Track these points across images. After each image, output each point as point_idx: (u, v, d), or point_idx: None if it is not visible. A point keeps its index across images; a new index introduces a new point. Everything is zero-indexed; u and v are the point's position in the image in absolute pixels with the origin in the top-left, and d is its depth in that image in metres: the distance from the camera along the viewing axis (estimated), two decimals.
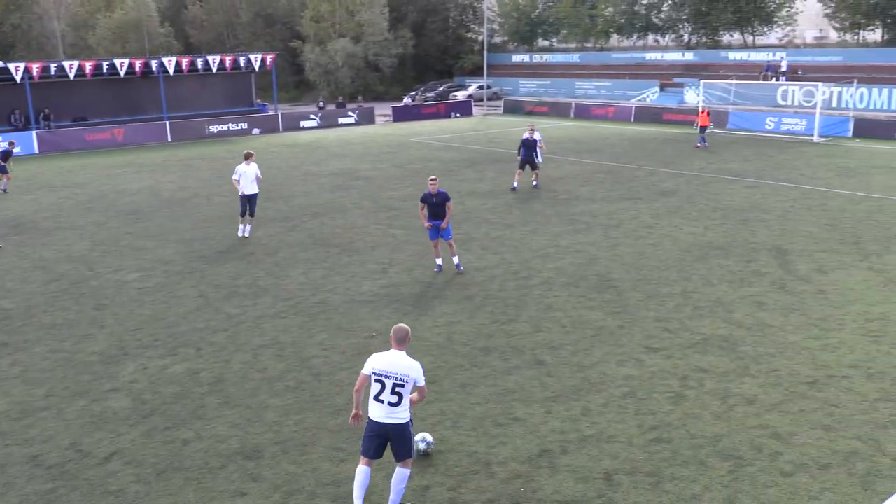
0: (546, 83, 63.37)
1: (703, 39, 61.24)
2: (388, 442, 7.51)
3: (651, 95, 54.68)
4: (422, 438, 8.93)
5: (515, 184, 24.75)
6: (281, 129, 46.67)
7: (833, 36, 58.40)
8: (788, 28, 58.69)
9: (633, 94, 55.78)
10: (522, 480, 8.34)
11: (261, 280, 15.91)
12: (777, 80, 48.97)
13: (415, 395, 7.59)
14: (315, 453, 8.99)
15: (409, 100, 60.24)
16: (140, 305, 14.49)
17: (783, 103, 46.38)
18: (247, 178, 19.10)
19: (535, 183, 25.47)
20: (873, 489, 8.04)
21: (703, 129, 34.76)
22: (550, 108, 52.86)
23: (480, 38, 71.51)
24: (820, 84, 40.73)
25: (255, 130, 46.15)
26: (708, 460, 8.70)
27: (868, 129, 38.17)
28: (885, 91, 43.83)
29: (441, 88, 65.16)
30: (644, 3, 64.29)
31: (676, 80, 55.42)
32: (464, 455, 8.95)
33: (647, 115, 46.90)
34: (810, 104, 43.90)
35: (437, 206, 14.81)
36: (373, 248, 18.30)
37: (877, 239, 18.25)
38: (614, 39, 67.96)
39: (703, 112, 35.54)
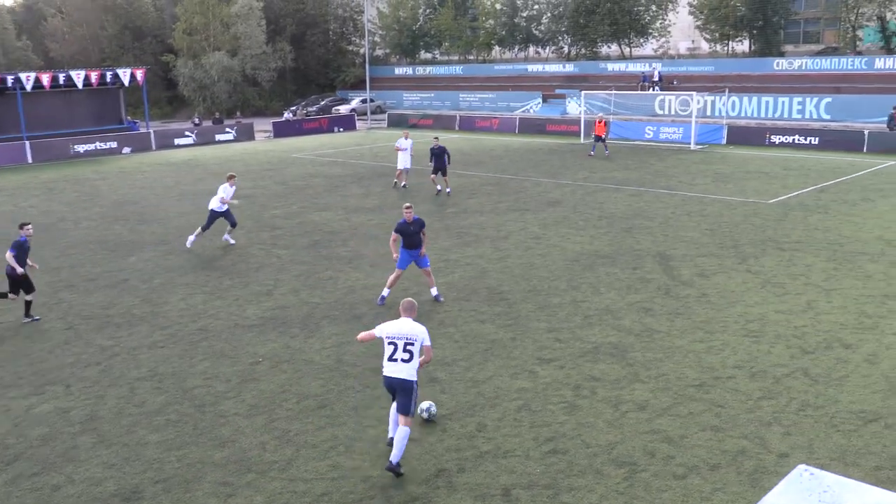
0: (430, 96, 63.72)
1: (583, 51, 62.95)
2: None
3: (534, 107, 55.60)
4: (427, 406, 9.80)
5: (439, 187, 26.29)
6: (154, 147, 45.42)
7: (705, 47, 60.80)
8: (663, 40, 60.82)
9: (517, 106, 56.69)
10: (420, 503, 8.28)
11: (136, 308, 15.39)
12: (653, 90, 50.88)
13: (423, 357, 8.60)
14: (200, 490, 8.72)
15: (290, 115, 59.36)
16: (0, 342, 13.66)
17: (660, 112, 48.05)
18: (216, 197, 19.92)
19: (448, 190, 26.49)
20: (761, 486, 8.25)
21: (598, 138, 35.25)
22: (435, 120, 53.08)
23: (362, 50, 71.12)
24: (694, 93, 42.25)
25: (126, 149, 44.56)
26: (603, 469, 8.82)
27: (740, 135, 38.76)
28: (755, 99, 46.23)
29: (323, 103, 64.47)
30: (524, 15, 65.58)
31: (558, 90, 56.78)
32: (359, 480, 8.82)
33: (532, 127, 47.46)
34: (686, 113, 45.60)
35: (413, 234, 14.28)
36: (256, 269, 17.98)
37: (753, 242, 18.65)
38: (496, 51, 69.10)
39: (599, 122, 35.98)
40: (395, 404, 8.76)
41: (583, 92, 45.07)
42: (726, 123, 40.49)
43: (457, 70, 66.81)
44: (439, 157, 26.26)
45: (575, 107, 51.11)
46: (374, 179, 30.90)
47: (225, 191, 19.76)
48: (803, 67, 49.84)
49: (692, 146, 37.37)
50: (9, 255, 14.32)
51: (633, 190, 26.05)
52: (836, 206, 22.01)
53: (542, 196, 25.64)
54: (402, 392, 8.51)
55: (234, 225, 20.19)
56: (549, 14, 64.37)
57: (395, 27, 70.37)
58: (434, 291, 14.64)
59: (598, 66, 58.67)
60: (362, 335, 8.81)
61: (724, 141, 38.74)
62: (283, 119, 56.53)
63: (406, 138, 27.87)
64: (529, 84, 60.32)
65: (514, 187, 27.47)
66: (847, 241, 18.22)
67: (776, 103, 44.30)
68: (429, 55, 73.34)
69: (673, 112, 46.60)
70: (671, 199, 24.14)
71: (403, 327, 8.58)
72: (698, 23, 58.83)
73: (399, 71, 70.34)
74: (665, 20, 59.99)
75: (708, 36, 58.20)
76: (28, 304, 14.48)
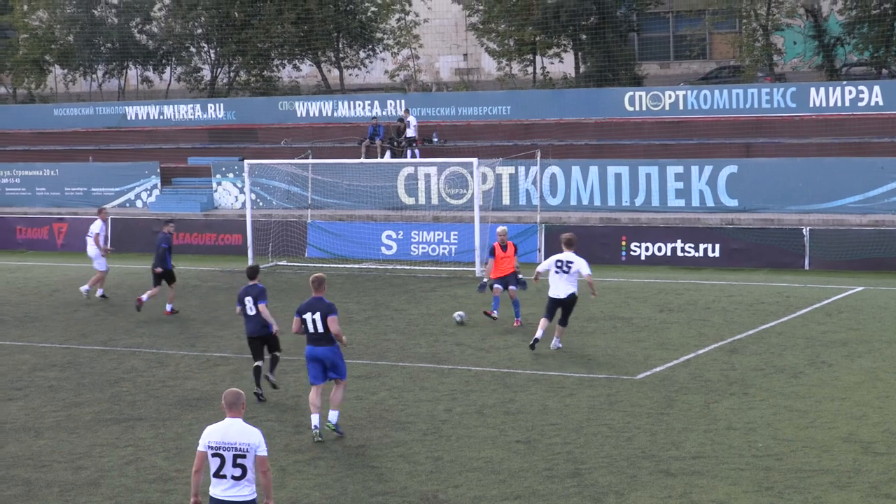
0: None
1: (245, 77, 45.46)
2: None
3: (144, 195, 35.91)
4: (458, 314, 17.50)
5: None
6: None
7: (488, 66, 48.17)
8: (405, 53, 45.59)
9: (110, 194, 36.25)
10: None
11: None
12: (398, 153, 36.62)
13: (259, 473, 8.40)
14: None
15: None
16: None
17: (410, 202, 32.89)
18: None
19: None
20: None
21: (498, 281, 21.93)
22: None
23: None
24: (475, 160, 28.72)
25: None
26: None
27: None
28: (593, 170, 31.53)
29: None
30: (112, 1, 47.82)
31: (194, 161, 37.32)
32: None
33: (140, 237, 30.89)
34: (460, 201, 32.14)
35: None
36: None
37: (612, 464, 12.30)
38: (53, 78, 47.96)
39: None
40: None
41: (246, 162, 30.28)
42: (541, 222, 29.09)
43: None
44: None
45: (230, 193, 35.37)
46: None
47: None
48: (680, 107, 34.59)
49: (478, 271, 25.79)
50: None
51: (360, 368, 16.75)
52: (763, 381, 16.30)
53: (169, 389, 16.72)
54: None
55: None
56: None
57: None
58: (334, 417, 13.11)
59: (278, 107, 38.70)
60: (195, 463, 8.30)
61: (541, 257, 27.49)
62: None
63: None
64: (130, 146, 39.92)
65: (106, 372, 17.49)
66: (788, 454, 12.67)
67: (635, 178, 31.44)
68: None
69: (436, 200, 33.05)
70: (442, 380, 16.17)
71: (230, 432, 8.24)
72: (473, 18, 42.27)
73: None
74: (407, 14, 41.08)
75: (495, 46, 41.64)
76: None
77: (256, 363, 14.28)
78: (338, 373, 13.13)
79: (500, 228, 20.16)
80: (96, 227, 23.56)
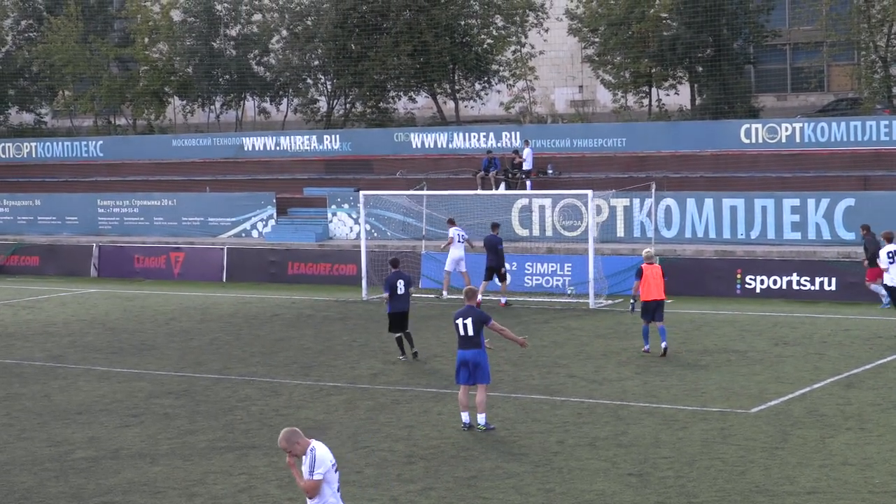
0: (29, 205, 39.33)
1: (360, 109, 46.43)
2: None
3: (260, 225, 37.07)
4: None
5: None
6: None
7: (603, 98, 48.79)
8: (520, 85, 45.72)
9: (226, 224, 37.36)
10: None
11: None
12: (512, 184, 36.16)
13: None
14: None
15: None
16: None
17: (523, 233, 33.35)
18: None
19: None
20: None
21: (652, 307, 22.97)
22: (45, 258, 35.40)
23: None
24: (590, 193, 28.89)
25: None
26: None
27: (686, 277, 27.82)
28: (708, 202, 31.72)
29: None
30: (230, 34, 46.59)
31: (310, 192, 38.52)
32: None
33: (257, 267, 32.80)
34: (576, 233, 32.68)
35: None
36: None
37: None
38: (174, 110, 48.99)
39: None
40: None
41: (361, 193, 31.67)
42: (656, 254, 27.89)
43: (92, 148, 43.45)
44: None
45: (345, 223, 36.26)
46: None
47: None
48: (797, 139, 34.84)
49: (591, 303, 26.67)
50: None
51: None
52: (880, 416, 16.33)
53: (283, 417, 17.02)
54: None
55: None
56: (283, 31, 45.14)
57: None
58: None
59: (393, 139, 39.43)
60: (295, 471, 8.74)
61: None
62: None
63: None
64: (246, 177, 40.99)
65: (221, 401, 18.16)
66: None
67: (751, 210, 31.71)
68: (29, 115, 52.13)
69: (550, 232, 33.35)
70: (554, 411, 16.58)
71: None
72: (588, 50, 42.18)
73: None
74: (523, 45, 41.97)
75: (610, 77, 41.91)
76: None
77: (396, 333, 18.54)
78: (482, 375, 14.61)
79: (646, 251, 20.68)
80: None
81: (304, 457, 8.66)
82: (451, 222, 28.34)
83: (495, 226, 27.25)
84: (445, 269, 28.03)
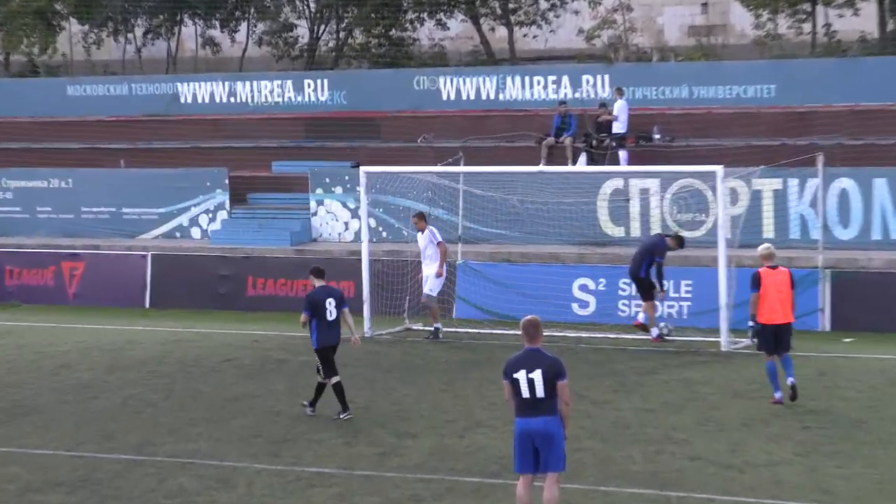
0: None
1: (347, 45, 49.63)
2: None
3: (209, 218, 38.91)
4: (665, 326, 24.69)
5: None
6: None
7: (741, 25, 50.98)
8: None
9: (153, 216, 39.01)
10: None
11: None
12: (597, 157, 38.18)
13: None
14: None
15: None
16: None
17: (616, 234, 35.96)
18: None
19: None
20: None
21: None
22: None
23: None
24: (720, 169, 30.52)
25: None
26: None
27: (873, 305, 30.20)
28: None
29: None
30: None
31: (280, 167, 40.84)
32: None
33: (208, 291, 34.37)
34: (698, 233, 34.26)
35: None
36: None
37: None
38: (68, 39, 52.19)
39: None
40: None
41: (362, 169, 32.82)
42: (825, 266, 30.99)
43: None
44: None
45: (337, 217, 38.18)
46: None
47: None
48: None
49: (724, 342, 27.70)
50: None
51: (537, 491, 17.32)
52: None
53: None
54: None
55: None
56: None
57: None
58: None
59: (413, 85, 41.71)
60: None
61: (826, 322, 30.17)
62: None
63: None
64: (184, 144, 42.35)
65: (140, 496, 18.31)
66: None
67: None
68: None
69: (656, 229, 34.70)
70: None
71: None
72: None
73: None
74: None
75: None
76: None
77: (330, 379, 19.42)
78: (555, 459, 14.42)
79: (764, 247, 21.54)
80: None
81: None
82: (422, 218, 28.61)
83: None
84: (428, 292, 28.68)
